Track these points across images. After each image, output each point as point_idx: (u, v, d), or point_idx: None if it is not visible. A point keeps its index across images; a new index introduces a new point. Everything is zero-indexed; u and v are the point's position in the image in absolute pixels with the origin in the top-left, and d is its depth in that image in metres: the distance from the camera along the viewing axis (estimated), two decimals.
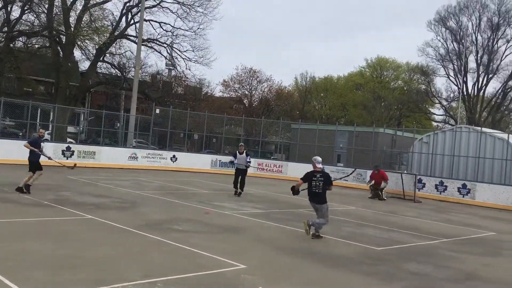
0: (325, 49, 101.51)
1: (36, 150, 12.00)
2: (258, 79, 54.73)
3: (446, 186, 21.95)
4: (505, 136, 23.35)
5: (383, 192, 19.46)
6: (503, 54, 47.82)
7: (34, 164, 12.01)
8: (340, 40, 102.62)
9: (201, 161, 26.92)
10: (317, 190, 9.16)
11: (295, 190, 9.47)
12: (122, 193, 14.12)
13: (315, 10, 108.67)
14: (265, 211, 12.82)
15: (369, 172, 22.55)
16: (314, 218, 9.49)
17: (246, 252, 7.71)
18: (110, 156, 23.37)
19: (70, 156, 22.46)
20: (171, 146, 31.99)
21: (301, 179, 9.43)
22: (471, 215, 16.81)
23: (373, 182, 19.88)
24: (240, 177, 16.04)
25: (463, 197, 21.26)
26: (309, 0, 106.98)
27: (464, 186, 21.44)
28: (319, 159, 9.55)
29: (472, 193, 21.08)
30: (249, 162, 16.57)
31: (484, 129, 25.08)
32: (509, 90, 49.02)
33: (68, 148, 22.61)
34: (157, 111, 28.80)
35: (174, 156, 26.31)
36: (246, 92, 55.54)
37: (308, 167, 19.75)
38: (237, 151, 16.61)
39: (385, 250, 8.89)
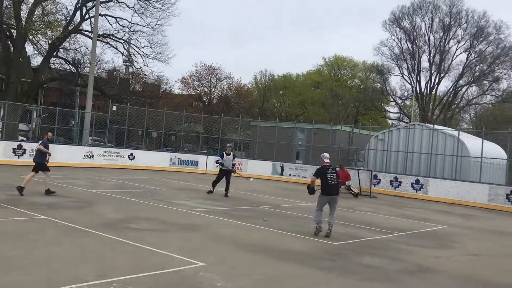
0: (284, 47, 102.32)
1: (48, 152, 12.77)
2: (217, 76, 54.62)
3: (400, 182, 22.65)
4: (455, 133, 24.32)
5: (351, 188, 19.86)
6: (454, 54, 49.82)
7: (43, 166, 12.60)
8: (299, 38, 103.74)
9: (159, 159, 26.59)
10: (333, 182, 9.63)
11: (310, 188, 9.91)
12: (77, 192, 13.74)
13: (275, 8, 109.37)
14: (224, 209, 12.81)
15: None
16: (330, 220, 9.67)
17: (205, 250, 7.68)
18: (64, 154, 22.65)
19: (22, 155, 21.62)
20: (129, 144, 31.38)
21: (314, 175, 9.80)
22: (423, 209, 17.43)
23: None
24: (225, 178, 15.82)
25: (416, 192, 22.01)
26: None
27: (417, 181, 22.19)
28: (327, 155, 10.01)
29: (425, 188, 21.85)
30: (234, 164, 16.32)
31: (436, 127, 26.03)
32: (459, 88, 51.13)
33: (20, 147, 21.76)
34: (114, 108, 28.17)
35: (131, 154, 25.83)
36: (206, 90, 55.28)
37: (267, 164, 19.78)
38: (224, 152, 16.32)
39: (342, 245, 9.08)
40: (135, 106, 31.69)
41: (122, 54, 34.76)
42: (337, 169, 19.97)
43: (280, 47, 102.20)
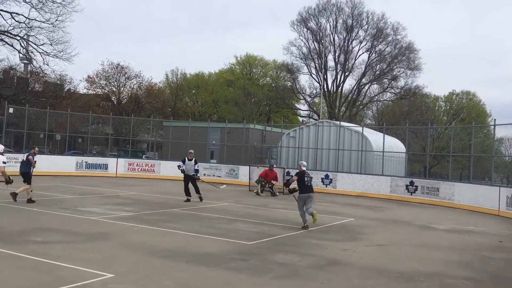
0: (195, 45, 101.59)
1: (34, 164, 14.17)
2: (126, 75, 52.77)
3: (311, 178, 23.43)
4: (360, 129, 25.72)
5: (274, 189, 20.10)
6: (357, 53, 52.75)
7: (29, 176, 13.90)
8: (210, 36, 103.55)
9: (64, 164, 25.06)
10: (309, 184, 11.81)
11: (289, 184, 12.11)
12: None
13: (185, 6, 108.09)
14: (136, 214, 12.36)
15: (243, 168, 23.16)
16: (307, 211, 11.52)
17: (115, 260, 7.32)
18: None
19: None
20: (29, 148, 29.22)
21: (295, 175, 11.86)
22: (332, 203, 18.19)
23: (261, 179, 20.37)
24: (190, 183, 15.77)
25: (326, 186, 22.94)
26: None
27: (326, 176, 23.14)
28: (305, 163, 12.51)
29: (334, 183, 22.85)
30: (197, 170, 16.13)
31: (342, 123, 27.34)
32: (362, 86, 54.22)
33: None
34: (11, 110, 26.01)
35: None
36: (114, 89, 53.16)
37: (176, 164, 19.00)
38: (186, 157, 16.11)
39: (256, 244, 9.16)
40: (35, 108, 29.53)
41: (19, 52, 32.34)
42: (268, 170, 20.66)
43: (191, 45, 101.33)
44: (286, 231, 10.87)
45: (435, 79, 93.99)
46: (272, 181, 20.28)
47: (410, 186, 20.67)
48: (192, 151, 16.73)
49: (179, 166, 16.34)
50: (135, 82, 53.57)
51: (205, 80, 62.62)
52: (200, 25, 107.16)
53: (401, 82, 54.05)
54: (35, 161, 14.61)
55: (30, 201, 13.36)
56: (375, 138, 25.48)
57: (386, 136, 24.18)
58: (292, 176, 13.07)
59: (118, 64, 52.07)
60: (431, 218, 15.24)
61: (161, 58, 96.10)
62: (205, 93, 59.71)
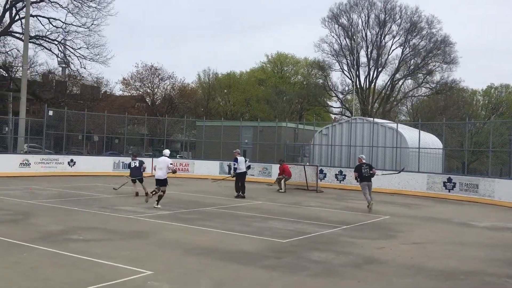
0: (226, 45, 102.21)
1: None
2: (160, 76, 53.53)
3: (345, 175, 23.23)
4: (394, 125, 25.25)
5: (280, 184, 20.08)
6: (390, 48, 51.81)
7: (142, 178, 16.51)
8: (241, 36, 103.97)
9: (102, 164, 25.71)
10: (367, 174, 14.34)
11: (356, 179, 14.64)
12: (13, 203, 12.99)
13: (215, 6, 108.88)
14: (171, 212, 12.57)
15: (276, 166, 23.15)
16: (368, 196, 14.28)
17: (152, 257, 7.47)
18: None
19: None
20: (69, 149, 30.14)
21: (354, 171, 14.80)
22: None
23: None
24: (241, 181, 16.92)
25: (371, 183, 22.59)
26: None
27: None
28: (363, 156, 15.43)
29: None
30: (249, 166, 17.22)
31: (376, 120, 26.93)
32: (396, 82, 53.23)
33: None
34: (50, 113, 26.89)
35: (72, 160, 24.81)
36: (148, 90, 54.06)
37: (214, 164, 19.90)
38: (236, 157, 17.12)
39: (290, 242, 9.15)
40: (73, 110, 30.44)
41: (57, 56, 33.41)
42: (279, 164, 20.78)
43: (222, 45, 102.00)
44: (321, 229, 10.82)
45: (472, 73, 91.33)
46: (280, 175, 20.40)
47: (448, 183, 20.16)
48: (238, 150, 18.00)
49: (235, 168, 17.12)
50: (168, 83, 54.36)
51: (236, 80, 62.88)
52: (230, 25, 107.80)
53: (437, 77, 52.79)
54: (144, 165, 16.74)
55: (147, 194, 14.82)
56: (410, 134, 24.96)
57: (421, 132, 23.65)
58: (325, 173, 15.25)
59: (152, 66, 52.95)
60: (470, 215, 14.83)
61: (193, 59, 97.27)
62: (237, 92, 59.95)
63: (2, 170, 21.35)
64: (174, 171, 14.02)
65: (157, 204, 13.31)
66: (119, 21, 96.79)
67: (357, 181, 14.70)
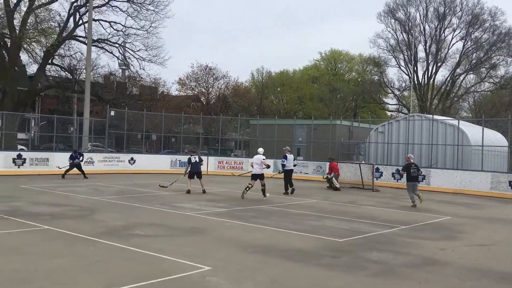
0: (280, 43, 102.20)
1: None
2: (214, 76, 54.53)
3: (402, 174, 22.56)
4: (455, 122, 24.26)
5: (332, 182, 20.06)
6: (450, 42, 49.78)
7: (200, 173, 17.12)
8: (293, 34, 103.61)
9: (160, 162, 26.54)
10: (414, 174, 15.09)
11: (401, 175, 16.71)
12: (79, 200, 13.70)
13: (266, 5, 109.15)
14: (228, 210, 12.78)
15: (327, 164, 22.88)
16: (412, 195, 15.07)
17: (210, 254, 7.64)
18: (64, 162, 22.58)
19: (22, 164, 21.61)
20: (129, 148, 31.33)
21: (402, 170, 15.61)
22: (427, 200, 17.33)
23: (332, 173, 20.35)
24: (288, 178, 17.32)
25: (419, 183, 21.89)
26: None
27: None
28: (412, 155, 16.08)
29: (427, 179, 21.81)
30: (296, 164, 18.09)
31: (435, 117, 25.97)
32: (457, 77, 51.05)
33: (19, 156, 21.74)
34: (112, 113, 28.09)
35: (132, 158, 25.80)
36: (203, 90, 55.19)
37: (268, 162, 20.18)
38: (286, 154, 17.63)
39: (347, 241, 9.04)
40: (133, 110, 31.61)
41: (118, 58, 34.74)
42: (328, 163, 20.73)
43: (275, 43, 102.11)
44: (378, 228, 10.60)
45: None
46: (331, 173, 20.38)
47: None
48: (288, 148, 18.46)
49: (283, 165, 17.64)
50: (222, 83, 55.23)
51: (289, 78, 62.78)
52: (283, 23, 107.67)
53: (501, 71, 50.15)
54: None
55: (204, 191, 16.08)
56: (472, 131, 23.88)
57: (485, 129, 22.57)
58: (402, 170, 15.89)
59: (207, 66, 54.02)
60: None
61: (246, 58, 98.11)
62: (290, 90, 59.87)
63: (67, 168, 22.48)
64: (267, 166, 15.64)
65: (264, 195, 15.37)
66: (174, 22, 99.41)
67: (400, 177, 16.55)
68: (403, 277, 6.66)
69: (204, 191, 16.22)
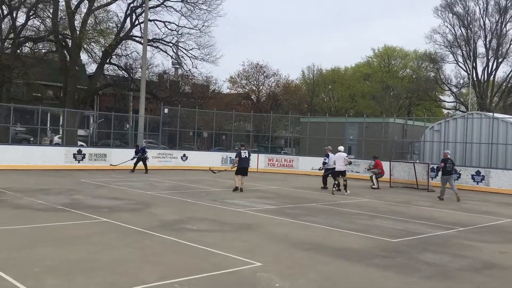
0: (331, 40, 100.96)
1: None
2: (265, 74, 54.67)
3: (459, 174, 21.73)
4: None
5: (373, 179, 19.92)
6: None
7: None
8: (345, 31, 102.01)
9: (211, 159, 26.91)
10: (449, 169, 16.10)
11: (440, 167, 16.67)
12: (135, 194, 14.19)
13: (317, 2, 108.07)
14: (278, 207, 12.80)
15: (383, 164, 22.36)
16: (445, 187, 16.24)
17: (261, 250, 7.70)
18: (120, 157, 23.48)
19: (82, 159, 22.63)
20: (181, 145, 32.06)
21: (441, 163, 16.42)
22: (486, 202, 16.65)
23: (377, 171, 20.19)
24: (332, 176, 17.32)
25: (478, 184, 21.06)
26: None
27: (478, 173, 21.23)
28: (449, 151, 17.17)
29: (486, 180, 20.87)
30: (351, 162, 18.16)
31: (496, 115, 24.77)
32: None
33: (79, 152, 22.78)
34: (166, 110, 28.87)
35: (184, 155, 26.38)
36: (254, 88, 55.50)
37: (319, 159, 20.09)
38: (328, 153, 17.98)
39: (401, 241, 8.82)
40: (185, 108, 32.32)
41: (171, 57, 35.60)
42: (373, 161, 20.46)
43: (327, 40, 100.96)
44: (434, 230, 10.26)
45: None
46: (374, 170, 20.28)
47: None
48: (330, 147, 18.55)
49: (324, 163, 17.83)
50: (273, 80, 55.28)
51: (341, 75, 61.89)
52: (336, 20, 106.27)
53: None
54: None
55: (241, 189, 15.69)
56: None
57: None
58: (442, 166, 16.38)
59: (257, 64, 54.26)
60: None
61: (297, 56, 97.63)
62: (341, 88, 59.01)
63: (124, 164, 23.37)
64: (349, 163, 16.93)
65: (346, 191, 16.39)
66: (226, 21, 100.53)
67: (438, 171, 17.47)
68: (460, 281, 6.42)
69: (241, 189, 15.74)
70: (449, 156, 16.65)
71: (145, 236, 8.27)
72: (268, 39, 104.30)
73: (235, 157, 16.47)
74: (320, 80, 60.44)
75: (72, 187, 15.04)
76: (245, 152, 16.13)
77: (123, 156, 23.83)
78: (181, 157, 26.19)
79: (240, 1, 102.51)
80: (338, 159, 16.68)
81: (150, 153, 25.37)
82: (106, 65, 33.17)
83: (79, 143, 28.78)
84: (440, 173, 17.28)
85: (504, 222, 11.95)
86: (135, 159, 22.14)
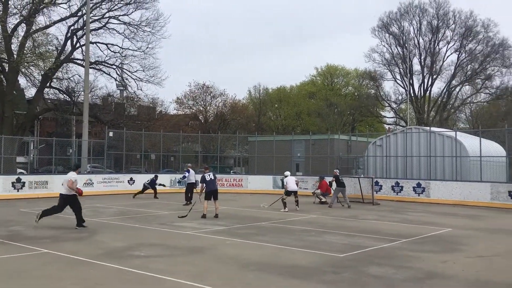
0: (275, 60, 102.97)
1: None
2: (211, 94, 54.75)
3: (402, 187, 22.62)
4: (453, 133, 24.36)
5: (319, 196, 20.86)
6: (445, 55, 50.19)
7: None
8: (288, 51, 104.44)
9: (160, 182, 26.44)
10: (342, 181, 19.43)
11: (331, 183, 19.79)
12: None
13: (263, 23, 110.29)
14: (228, 228, 12.75)
15: (329, 179, 22.87)
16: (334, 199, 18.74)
17: (211, 273, 7.62)
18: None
19: (21, 188, 21.56)
20: (128, 168, 31.30)
21: (333, 177, 19.62)
22: (427, 213, 17.37)
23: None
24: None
25: (419, 195, 21.97)
26: (254, 12, 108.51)
27: (418, 185, 22.17)
28: (337, 170, 19.97)
29: (427, 191, 21.82)
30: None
31: (433, 129, 26.08)
32: (453, 89, 51.37)
33: (18, 180, 21.71)
34: (111, 134, 28.14)
35: (131, 178, 25.77)
36: (201, 108, 55.37)
37: (268, 179, 20.09)
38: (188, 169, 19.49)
39: (348, 256, 9.02)
40: (131, 130, 31.69)
41: (115, 80, 34.94)
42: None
43: (270, 60, 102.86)
44: (379, 242, 10.58)
45: None
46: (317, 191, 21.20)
47: None
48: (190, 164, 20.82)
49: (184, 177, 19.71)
50: (220, 100, 55.42)
51: (287, 94, 63.08)
52: (278, 40, 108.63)
53: (496, 82, 50.43)
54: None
55: (217, 216, 14.78)
56: (470, 142, 23.96)
57: (482, 139, 22.66)
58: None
59: (204, 84, 54.29)
60: None
61: (243, 76, 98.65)
62: (288, 106, 60.11)
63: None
64: (297, 183, 18.29)
65: (297, 206, 17.61)
66: (171, 42, 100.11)
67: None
68: None
69: (217, 216, 14.66)
70: (337, 173, 19.67)
71: (89, 266, 7.97)
72: (214, 61, 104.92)
73: (200, 182, 15.38)
74: (267, 99, 61.32)
75: (10, 218, 14.27)
76: (209, 175, 14.95)
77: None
78: (128, 180, 25.55)
79: (183, 22, 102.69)
80: (290, 181, 17.76)
81: (95, 178, 24.60)
82: (46, 89, 32.04)
83: (19, 170, 27.41)
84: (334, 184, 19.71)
85: (444, 232, 12.52)
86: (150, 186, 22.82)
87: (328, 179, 21.04)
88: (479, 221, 15.05)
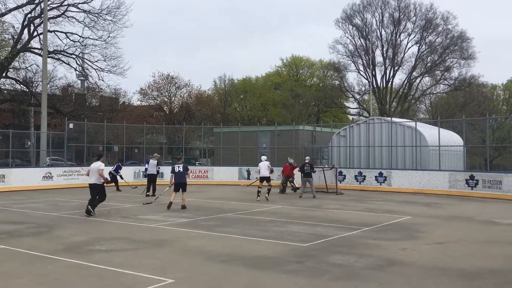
0: (241, 51, 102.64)
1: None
2: (176, 85, 54.05)
3: (364, 176, 23.07)
4: (413, 124, 24.97)
5: (293, 183, 21.25)
6: (406, 47, 51.37)
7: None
8: (254, 41, 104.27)
9: (123, 174, 25.95)
10: (308, 171, 19.03)
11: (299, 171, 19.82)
12: (37, 216, 13.26)
13: (227, 13, 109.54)
14: (192, 220, 12.66)
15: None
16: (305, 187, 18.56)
17: (174, 266, 7.55)
18: (21, 177, 21.87)
19: None
20: (90, 161, 30.55)
21: (299, 169, 19.38)
22: (388, 201, 17.80)
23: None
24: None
25: (381, 185, 22.48)
26: (220, 1, 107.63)
27: (380, 174, 22.67)
28: (308, 158, 19.71)
29: (388, 181, 22.34)
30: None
31: (394, 119, 26.68)
32: (413, 80, 52.68)
33: None
34: (71, 125, 27.36)
35: None
36: (166, 99, 54.60)
37: (233, 170, 20.14)
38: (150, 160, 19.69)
39: (311, 245, 9.13)
40: (93, 122, 30.93)
41: (75, 70, 34.01)
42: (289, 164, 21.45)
43: (237, 51, 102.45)
44: (341, 231, 10.76)
45: (491, 67, 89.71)
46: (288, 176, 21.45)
47: (470, 180, 19.85)
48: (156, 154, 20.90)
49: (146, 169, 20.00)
50: (185, 91, 54.82)
51: (252, 85, 63.06)
52: (243, 31, 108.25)
53: (455, 73, 52.15)
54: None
55: (184, 207, 14.85)
56: (429, 132, 24.66)
57: (441, 129, 23.35)
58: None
59: (168, 75, 53.51)
60: (494, 212, 14.57)
61: (208, 66, 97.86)
62: (253, 97, 60.12)
63: (26, 184, 21.80)
64: (271, 171, 18.50)
65: (267, 196, 17.62)
66: (134, 32, 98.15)
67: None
68: (365, 279, 6.78)
69: (183, 207, 14.71)
70: (307, 161, 19.52)
71: (48, 262, 7.74)
72: (179, 51, 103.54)
73: (170, 172, 15.15)
74: (232, 90, 61.11)
75: None
76: (179, 166, 14.79)
77: (24, 176, 22.23)
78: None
79: (148, 12, 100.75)
80: (263, 167, 18.18)
81: (55, 171, 23.91)
82: (2, 79, 30.86)
83: None
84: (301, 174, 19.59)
85: (404, 220, 12.86)
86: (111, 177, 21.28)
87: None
88: (437, 209, 15.54)
